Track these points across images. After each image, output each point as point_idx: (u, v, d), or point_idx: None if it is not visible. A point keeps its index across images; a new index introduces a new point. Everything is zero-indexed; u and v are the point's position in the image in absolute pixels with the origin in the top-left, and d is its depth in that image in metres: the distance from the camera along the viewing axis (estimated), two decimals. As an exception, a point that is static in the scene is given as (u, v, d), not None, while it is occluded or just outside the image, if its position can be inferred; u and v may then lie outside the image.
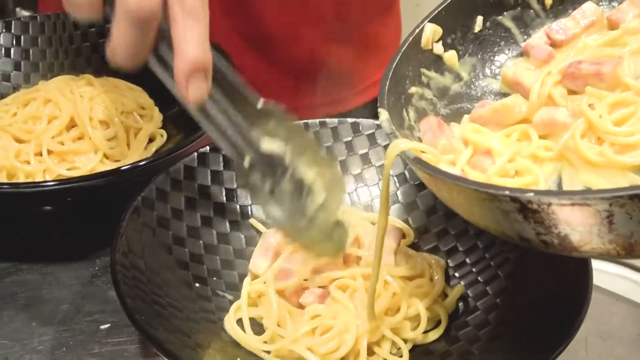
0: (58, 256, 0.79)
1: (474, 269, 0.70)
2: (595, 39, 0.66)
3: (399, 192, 0.76)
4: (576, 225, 0.46)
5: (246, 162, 0.58)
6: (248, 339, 0.65)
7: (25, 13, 1.07)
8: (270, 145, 0.58)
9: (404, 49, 0.64)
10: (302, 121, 0.79)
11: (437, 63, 0.67)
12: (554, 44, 0.67)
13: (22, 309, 0.72)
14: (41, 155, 0.86)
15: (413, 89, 0.65)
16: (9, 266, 0.78)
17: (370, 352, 0.64)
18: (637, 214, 0.43)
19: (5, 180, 0.85)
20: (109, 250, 0.65)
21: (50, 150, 0.86)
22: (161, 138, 0.93)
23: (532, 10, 0.70)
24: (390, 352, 0.64)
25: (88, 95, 0.90)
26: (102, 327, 0.70)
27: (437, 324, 0.67)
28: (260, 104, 0.56)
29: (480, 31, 0.69)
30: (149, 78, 0.97)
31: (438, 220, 0.74)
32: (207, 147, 0.76)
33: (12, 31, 1.02)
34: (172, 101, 0.94)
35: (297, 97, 1.02)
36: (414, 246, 0.74)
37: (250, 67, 0.97)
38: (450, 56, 0.68)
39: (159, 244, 0.69)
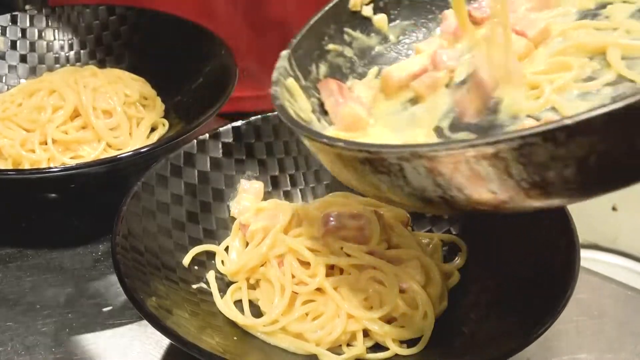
0: (62, 242, 0.81)
1: (466, 253, 0.71)
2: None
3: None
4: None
5: None
6: (246, 320, 0.66)
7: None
8: None
9: (327, 8, 0.65)
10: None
11: (364, 24, 0.68)
12: (474, 21, 0.65)
13: (27, 292, 0.74)
14: (46, 144, 0.88)
15: (331, 46, 0.65)
16: (14, 252, 0.79)
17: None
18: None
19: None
20: (111, 237, 0.66)
21: (55, 140, 0.88)
22: (163, 127, 0.95)
23: None
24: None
25: (92, 86, 0.91)
26: (104, 309, 0.72)
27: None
28: None
29: None
30: (152, 69, 1.00)
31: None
32: (207, 135, 0.78)
33: (19, 24, 1.04)
34: (174, 91, 0.97)
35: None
36: (409, 230, 0.76)
37: (251, 51, 0.99)
38: (379, 19, 0.68)
39: (158, 227, 0.70)
